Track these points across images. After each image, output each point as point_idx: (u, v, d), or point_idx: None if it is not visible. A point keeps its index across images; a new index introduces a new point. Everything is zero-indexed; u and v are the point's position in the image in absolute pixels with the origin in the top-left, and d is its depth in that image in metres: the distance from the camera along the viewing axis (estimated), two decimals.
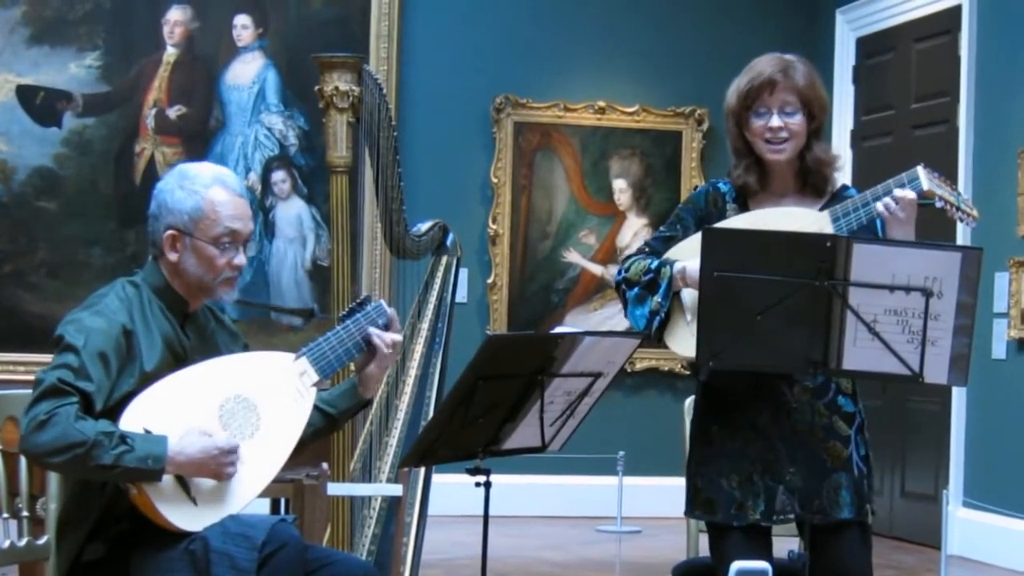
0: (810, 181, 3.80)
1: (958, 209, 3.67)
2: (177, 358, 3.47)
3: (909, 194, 3.61)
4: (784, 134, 3.71)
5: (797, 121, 3.72)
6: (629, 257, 3.87)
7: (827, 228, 3.64)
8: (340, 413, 3.71)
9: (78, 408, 3.25)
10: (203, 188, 3.49)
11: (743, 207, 3.81)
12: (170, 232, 3.48)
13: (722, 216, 3.80)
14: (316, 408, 3.63)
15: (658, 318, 3.73)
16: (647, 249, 3.86)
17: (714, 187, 3.87)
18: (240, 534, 3.32)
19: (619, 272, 3.87)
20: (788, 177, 3.79)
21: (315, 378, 3.55)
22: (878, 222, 3.69)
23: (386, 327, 3.64)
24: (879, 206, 3.62)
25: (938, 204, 3.64)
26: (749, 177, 3.78)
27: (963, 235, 7.21)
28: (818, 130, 3.78)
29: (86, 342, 3.31)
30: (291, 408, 3.51)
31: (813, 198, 3.80)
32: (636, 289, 3.78)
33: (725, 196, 3.84)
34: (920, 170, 3.65)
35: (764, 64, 3.76)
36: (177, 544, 3.31)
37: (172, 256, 3.49)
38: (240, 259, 3.52)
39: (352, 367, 3.74)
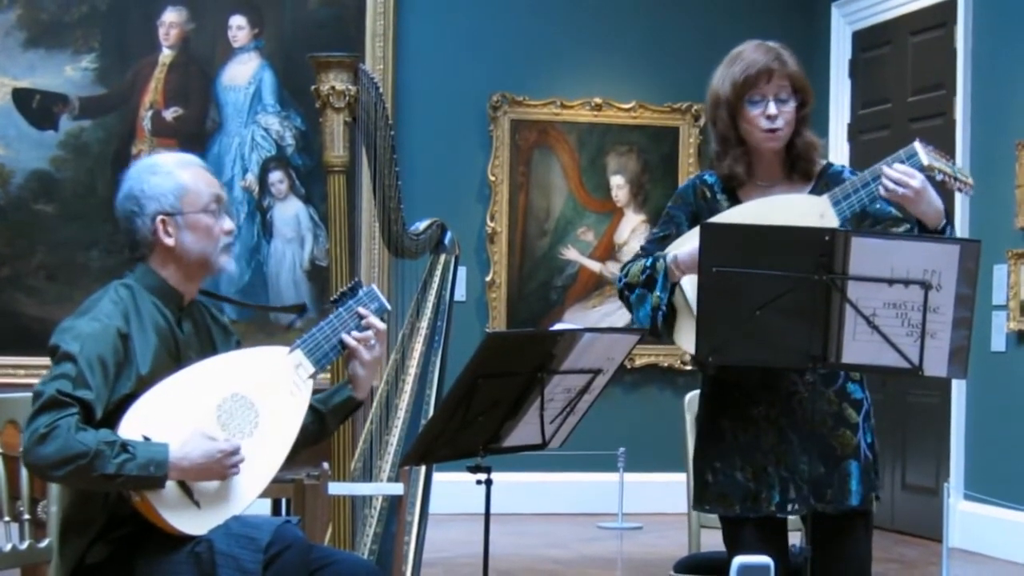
0: (798, 167, 3.79)
1: (956, 179, 3.66)
2: (172, 354, 3.46)
3: (908, 171, 3.58)
4: (780, 122, 3.71)
5: (791, 108, 3.72)
6: (627, 264, 3.86)
7: (828, 212, 3.62)
8: (329, 411, 3.68)
9: (78, 419, 3.24)
10: (175, 168, 3.52)
11: (732, 197, 3.80)
12: (160, 218, 3.47)
13: (714, 208, 3.79)
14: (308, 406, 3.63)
15: (660, 313, 3.72)
16: (643, 253, 3.86)
17: (701, 180, 3.86)
18: (245, 536, 3.32)
19: (619, 280, 3.86)
20: (775, 164, 3.79)
21: (311, 370, 3.55)
22: (880, 203, 3.68)
23: (379, 313, 3.63)
24: (881, 191, 3.60)
25: (938, 177, 3.62)
26: (739, 167, 3.76)
27: (961, 223, 7.21)
28: (807, 116, 3.78)
29: (82, 349, 3.30)
30: (288, 402, 3.50)
31: (802, 182, 3.80)
32: (637, 291, 3.78)
33: (713, 187, 3.82)
34: (917, 145, 3.63)
35: (754, 52, 3.74)
36: (182, 547, 3.31)
37: (168, 241, 3.48)
38: (230, 224, 3.56)
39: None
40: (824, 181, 3.78)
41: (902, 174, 3.57)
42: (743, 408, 3.72)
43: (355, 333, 3.60)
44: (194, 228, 3.49)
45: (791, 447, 3.68)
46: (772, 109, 3.70)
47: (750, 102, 3.72)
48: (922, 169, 3.59)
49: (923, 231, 3.59)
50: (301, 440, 3.59)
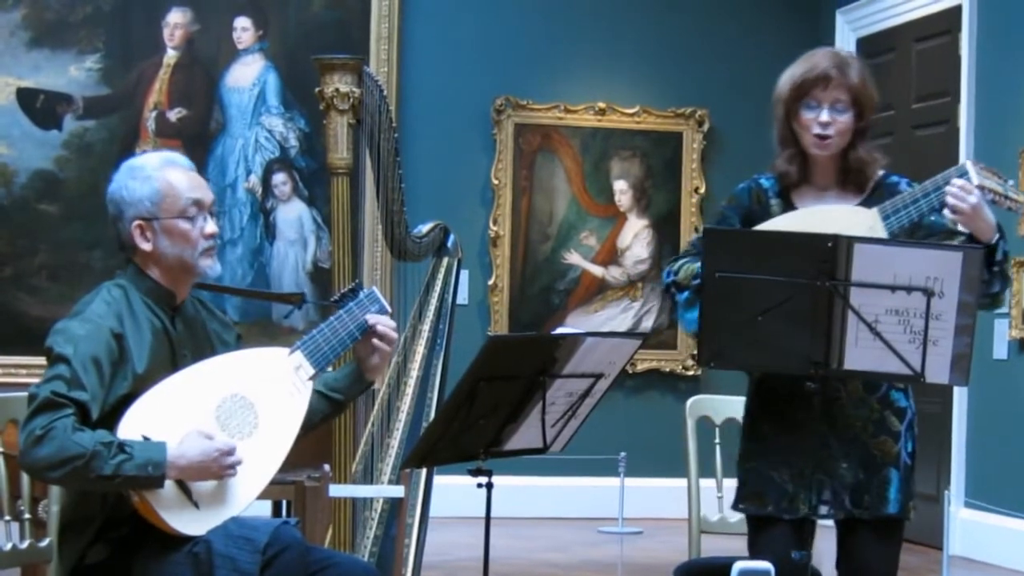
0: (851, 178, 3.80)
1: (1007, 198, 3.66)
2: (167, 353, 3.46)
3: (965, 187, 3.58)
4: (831, 130, 3.71)
5: (846, 119, 3.72)
6: (677, 258, 3.87)
7: (877, 225, 3.63)
8: (347, 398, 3.74)
9: (74, 420, 3.24)
10: (155, 172, 3.50)
11: (786, 200, 3.82)
12: (137, 223, 3.48)
13: (766, 211, 3.81)
14: (323, 395, 3.65)
15: None
16: (693, 250, 3.86)
17: (756, 183, 3.88)
18: (243, 537, 3.32)
19: (667, 274, 3.86)
20: (830, 171, 3.80)
21: (311, 372, 3.55)
22: (935, 215, 3.69)
23: (380, 314, 3.66)
24: (946, 211, 3.60)
25: (988, 197, 3.63)
26: (791, 167, 3.78)
27: None
28: (865, 130, 3.78)
29: (76, 350, 3.30)
30: (288, 404, 3.51)
31: (855, 192, 3.80)
32: (686, 293, 3.77)
33: (767, 192, 3.84)
34: (969, 164, 3.64)
35: (820, 57, 3.76)
36: (180, 547, 3.31)
37: (145, 246, 3.48)
38: (211, 226, 3.53)
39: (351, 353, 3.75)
40: (879, 192, 3.79)
41: (960, 189, 3.57)
42: (784, 411, 3.71)
43: (379, 327, 3.62)
44: (170, 233, 3.49)
45: (831, 451, 3.69)
46: (824, 116, 3.71)
47: (806, 106, 3.73)
48: None
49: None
50: (319, 422, 3.66)
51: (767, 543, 3.67)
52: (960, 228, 3.68)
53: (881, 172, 3.83)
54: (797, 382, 3.56)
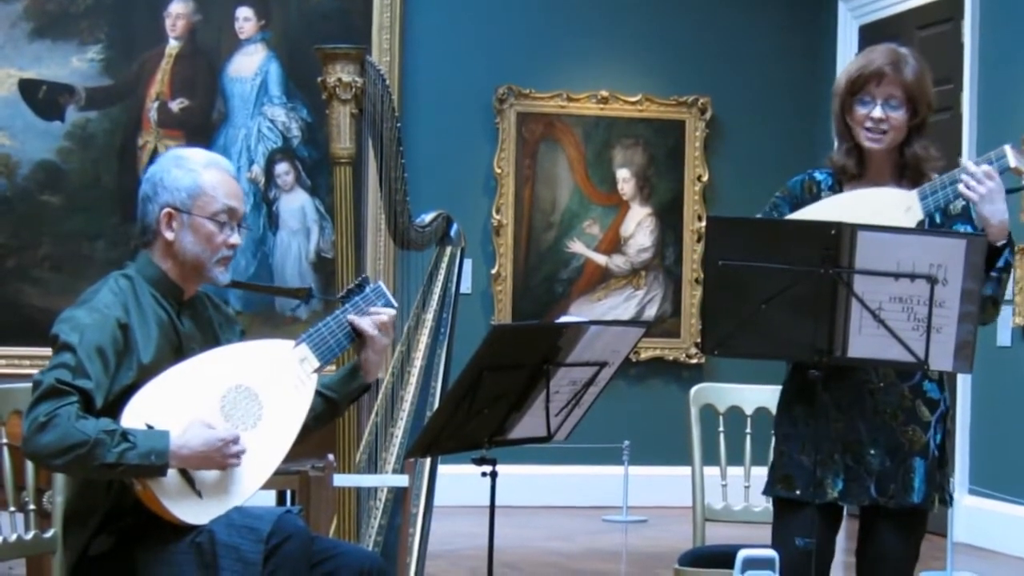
0: (907, 175, 3.80)
1: None
2: (173, 347, 3.46)
3: (987, 172, 3.60)
4: (884, 126, 3.72)
5: (899, 115, 3.73)
6: None
7: (915, 205, 3.65)
8: (341, 397, 3.71)
9: (78, 407, 3.24)
10: (200, 167, 3.51)
11: (838, 194, 3.83)
12: (167, 210, 3.48)
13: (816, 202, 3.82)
14: (317, 392, 3.64)
15: None
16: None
17: (810, 176, 3.89)
18: (246, 526, 3.32)
19: None
20: (885, 166, 3.80)
21: (316, 364, 3.55)
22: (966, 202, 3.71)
23: (385, 308, 3.65)
24: (960, 186, 3.62)
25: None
26: (848, 160, 3.80)
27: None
28: (921, 126, 3.78)
29: (81, 339, 3.30)
30: (293, 396, 3.51)
31: (908, 189, 3.80)
32: None
33: (820, 184, 3.86)
34: (1007, 148, 3.65)
35: (877, 54, 3.78)
36: (183, 537, 3.31)
37: (168, 235, 3.48)
38: (236, 238, 3.53)
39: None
40: None
41: (978, 170, 3.60)
42: (816, 395, 3.71)
43: (372, 310, 3.62)
44: (196, 230, 3.49)
45: (859, 436, 3.71)
46: (877, 113, 3.72)
47: (860, 102, 3.75)
48: (1006, 171, 3.62)
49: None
50: (312, 424, 3.62)
51: (792, 526, 3.66)
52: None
53: (936, 176, 3.82)
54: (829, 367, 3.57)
